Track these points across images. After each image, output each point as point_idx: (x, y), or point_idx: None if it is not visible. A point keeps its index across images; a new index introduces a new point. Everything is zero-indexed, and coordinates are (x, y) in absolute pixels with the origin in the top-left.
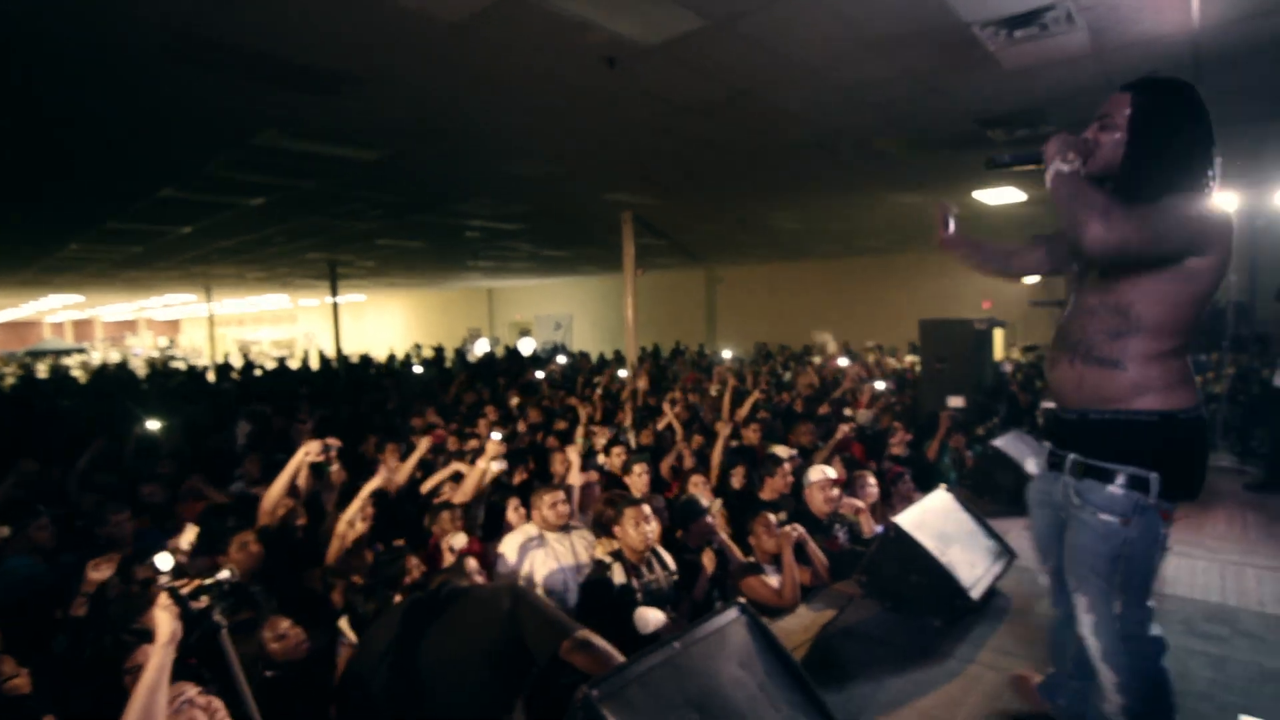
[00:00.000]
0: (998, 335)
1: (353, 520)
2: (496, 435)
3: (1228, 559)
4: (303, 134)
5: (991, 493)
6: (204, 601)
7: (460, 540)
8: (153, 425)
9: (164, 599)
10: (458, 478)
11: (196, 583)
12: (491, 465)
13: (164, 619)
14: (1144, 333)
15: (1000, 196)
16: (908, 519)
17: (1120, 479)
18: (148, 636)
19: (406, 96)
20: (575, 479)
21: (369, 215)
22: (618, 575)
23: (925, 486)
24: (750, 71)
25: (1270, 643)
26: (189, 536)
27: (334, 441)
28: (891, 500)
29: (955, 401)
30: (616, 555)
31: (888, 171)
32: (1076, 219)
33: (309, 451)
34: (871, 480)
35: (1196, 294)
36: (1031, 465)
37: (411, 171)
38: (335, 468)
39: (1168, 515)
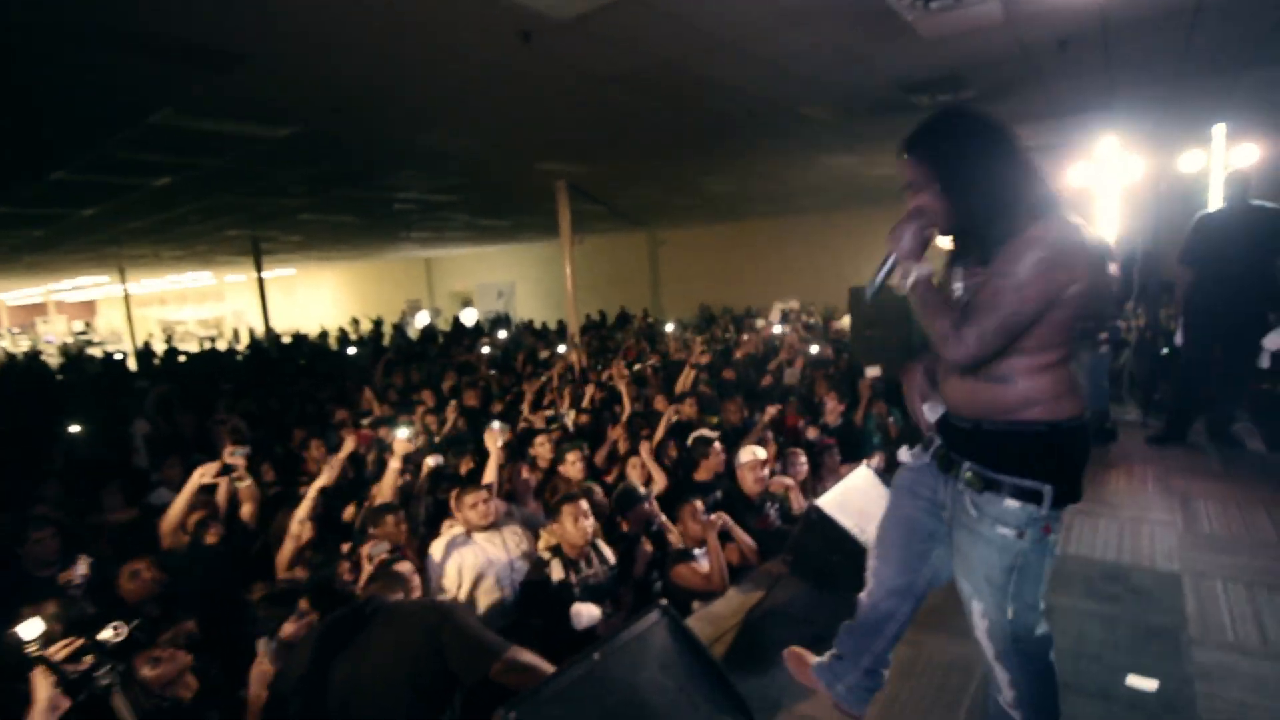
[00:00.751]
0: None
1: (304, 519)
2: (403, 433)
3: (1126, 516)
4: (203, 112)
5: None
6: (87, 662)
7: (381, 549)
8: (74, 430)
9: (38, 670)
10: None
11: (75, 644)
12: (427, 460)
13: (40, 688)
14: (1027, 352)
15: None
16: (829, 500)
17: (1015, 492)
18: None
19: (312, 74)
20: (490, 474)
21: (290, 191)
22: (555, 571)
23: (856, 454)
24: (670, 44)
25: (1156, 599)
26: (82, 569)
27: (236, 461)
28: (820, 473)
29: (872, 372)
30: (555, 550)
31: (818, 136)
32: (934, 335)
33: (204, 473)
34: (802, 458)
35: (1069, 315)
36: None
37: (328, 147)
38: (245, 483)
39: (1049, 529)
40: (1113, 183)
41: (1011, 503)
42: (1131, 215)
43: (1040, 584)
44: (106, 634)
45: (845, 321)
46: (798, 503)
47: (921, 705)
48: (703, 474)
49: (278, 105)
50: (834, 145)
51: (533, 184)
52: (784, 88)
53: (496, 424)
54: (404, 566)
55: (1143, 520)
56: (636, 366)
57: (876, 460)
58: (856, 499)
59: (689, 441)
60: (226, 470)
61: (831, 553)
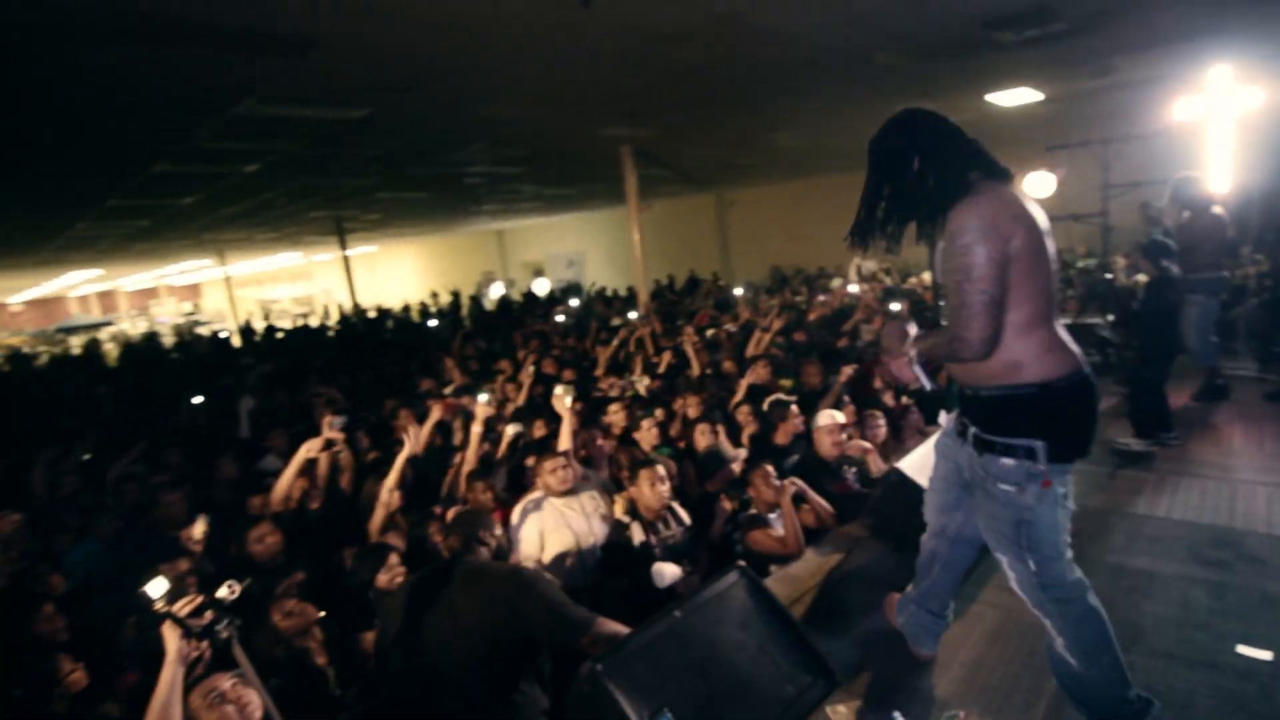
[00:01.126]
0: None
1: (392, 488)
2: (483, 397)
3: (1240, 478)
4: (282, 99)
5: None
6: (208, 617)
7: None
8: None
9: (166, 624)
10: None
11: (197, 601)
12: (507, 428)
13: (170, 640)
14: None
15: (1015, 98)
16: (910, 462)
17: (1008, 451)
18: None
19: (379, 53)
20: (566, 439)
21: (365, 172)
22: (636, 534)
23: (938, 416)
24: None
25: (1273, 566)
26: (200, 528)
27: (336, 435)
28: (902, 435)
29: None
30: (633, 513)
31: (891, 83)
32: (947, 354)
33: (310, 449)
34: (881, 421)
35: (1024, 271)
36: None
37: (400, 126)
38: (344, 454)
39: (1049, 483)
40: (1225, 117)
41: (1008, 461)
42: (1248, 153)
43: (1057, 534)
44: (222, 592)
45: (926, 277)
46: (876, 466)
47: (1011, 669)
48: (780, 437)
49: (350, 87)
50: (909, 91)
51: (598, 151)
52: (852, 32)
53: (560, 388)
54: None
55: (1258, 483)
56: (709, 332)
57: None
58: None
59: (765, 405)
60: (329, 445)
61: (913, 515)
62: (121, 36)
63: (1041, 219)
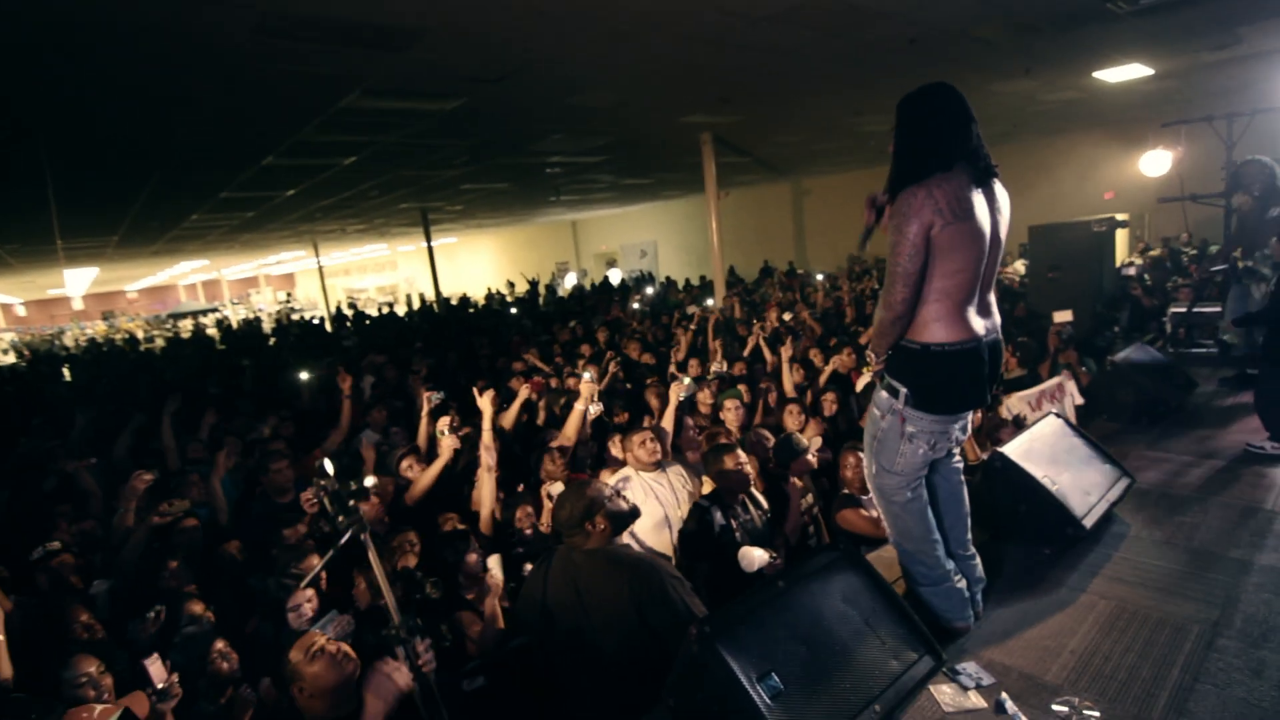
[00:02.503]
0: (1120, 236)
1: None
2: (587, 375)
3: None
4: (383, 93)
5: (1110, 411)
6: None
7: (558, 488)
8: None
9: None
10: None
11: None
12: (590, 407)
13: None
14: (924, 278)
15: (1124, 74)
16: (1015, 448)
17: (885, 386)
18: (303, 579)
19: (470, 42)
20: (668, 420)
21: (454, 163)
22: (717, 518)
23: None
24: None
25: None
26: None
27: (436, 401)
28: (982, 425)
29: (1062, 316)
30: (713, 498)
31: (989, 60)
32: (883, 319)
33: (450, 447)
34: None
35: (944, 250)
36: (1155, 380)
37: (489, 116)
38: (448, 439)
39: (904, 420)
40: None
41: (883, 393)
42: None
43: (895, 458)
44: (370, 481)
45: (1019, 266)
46: (972, 453)
47: (1127, 659)
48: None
49: (449, 78)
50: (1008, 69)
51: (677, 139)
52: (955, 6)
53: (687, 379)
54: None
55: None
56: (787, 316)
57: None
58: (1044, 447)
59: (857, 390)
60: (456, 429)
61: (1018, 502)
62: (246, 32)
63: (983, 214)
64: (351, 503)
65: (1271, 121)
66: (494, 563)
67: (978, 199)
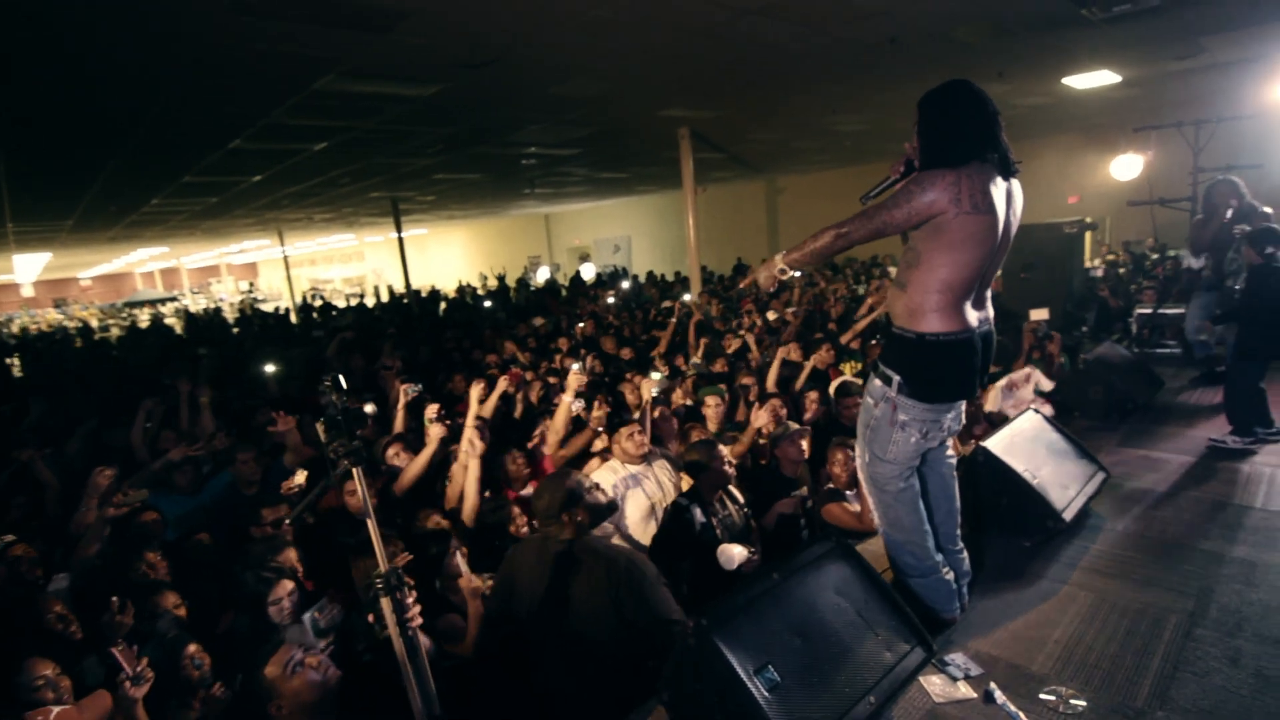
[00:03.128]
0: (1087, 238)
1: (465, 463)
2: (576, 366)
3: None
4: (360, 75)
5: (1082, 408)
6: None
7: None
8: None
9: None
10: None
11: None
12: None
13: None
14: (921, 267)
15: (1092, 80)
16: (997, 442)
17: (879, 374)
18: (285, 573)
19: (457, 26)
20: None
21: (428, 151)
22: (697, 516)
23: None
24: None
25: None
26: (299, 479)
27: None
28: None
29: (1038, 314)
30: (692, 495)
31: (965, 62)
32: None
33: (436, 436)
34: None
35: (952, 241)
36: (1124, 378)
37: (466, 104)
38: (436, 427)
39: (896, 408)
40: None
41: (876, 381)
42: None
43: (888, 447)
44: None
45: None
46: (955, 447)
47: (1110, 648)
48: (847, 419)
49: (427, 63)
50: (984, 71)
51: (655, 132)
52: (934, 6)
53: (656, 374)
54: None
55: None
56: (771, 315)
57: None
58: (1024, 442)
59: (832, 389)
60: (442, 418)
61: (999, 495)
62: (217, 7)
63: (1000, 207)
64: (351, 433)
65: (1236, 129)
66: (462, 562)
67: (999, 194)
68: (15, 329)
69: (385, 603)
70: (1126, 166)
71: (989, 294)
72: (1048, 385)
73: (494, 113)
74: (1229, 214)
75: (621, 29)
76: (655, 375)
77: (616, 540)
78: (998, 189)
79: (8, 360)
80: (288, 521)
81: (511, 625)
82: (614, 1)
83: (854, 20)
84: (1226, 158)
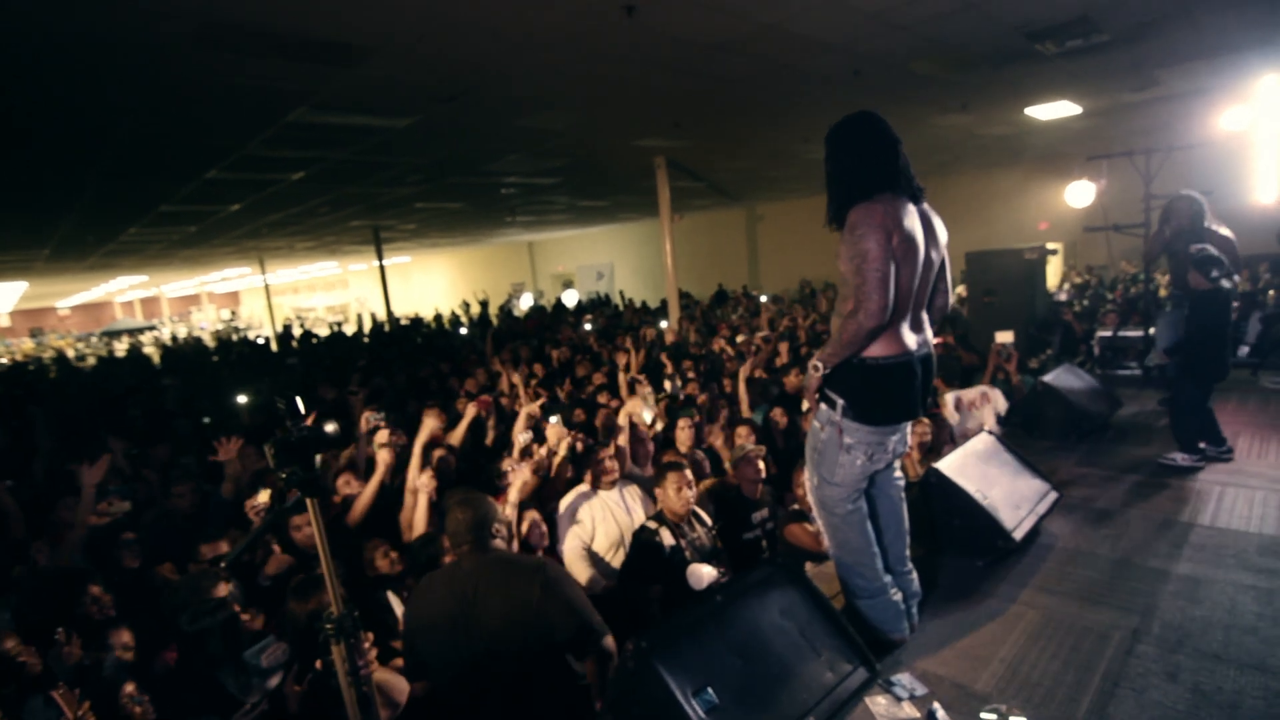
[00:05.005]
0: (1052, 263)
1: (414, 486)
2: (554, 419)
3: None
4: (332, 108)
5: (1041, 428)
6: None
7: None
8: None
9: None
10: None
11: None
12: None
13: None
14: (853, 299)
15: (1054, 111)
16: (949, 464)
17: (825, 399)
18: (226, 607)
19: (426, 61)
20: (624, 440)
21: (406, 180)
22: (666, 538)
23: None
24: (774, 4)
25: None
26: (263, 497)
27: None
28: (939, 440)
29: (1004, 337)
30: (659, 518)
31: (929, 94)
32: (850, 329)
33: (384, 461)
34: (926, 425)
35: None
36: (1083, 400)
37: (442, 135)
38: (383, 452)
39: (842, 432)
40: (1274, 128)
41: (823, 405)
42: None
43: (835, 469)
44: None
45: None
46: (913, 470)
47: (1052, 666)
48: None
49: (399, 96)
50: (946, 103)
51: (632, 162)
52: (891, 41)
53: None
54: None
55: None
56: (739, 338)
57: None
58: (977, 463)
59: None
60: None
61: (951, 516)
62: (187, 43)
63: (918, 233)
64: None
65: (1186, 158)
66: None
67: (912, 220)
68: None
69: (336, 650)
70: (1080, 193)
71: (925, 318)
72: (1004, 406)
73: (469, 143)
74: (1168, 232)
75: (590, 66)
76: (645, 395)
77: (582, 565)
78: (910, 216)
79: None
80: (224, 564)
81: (422, 670)
82: (575, 39)
83: (814, 55)
84: (1178, 185)
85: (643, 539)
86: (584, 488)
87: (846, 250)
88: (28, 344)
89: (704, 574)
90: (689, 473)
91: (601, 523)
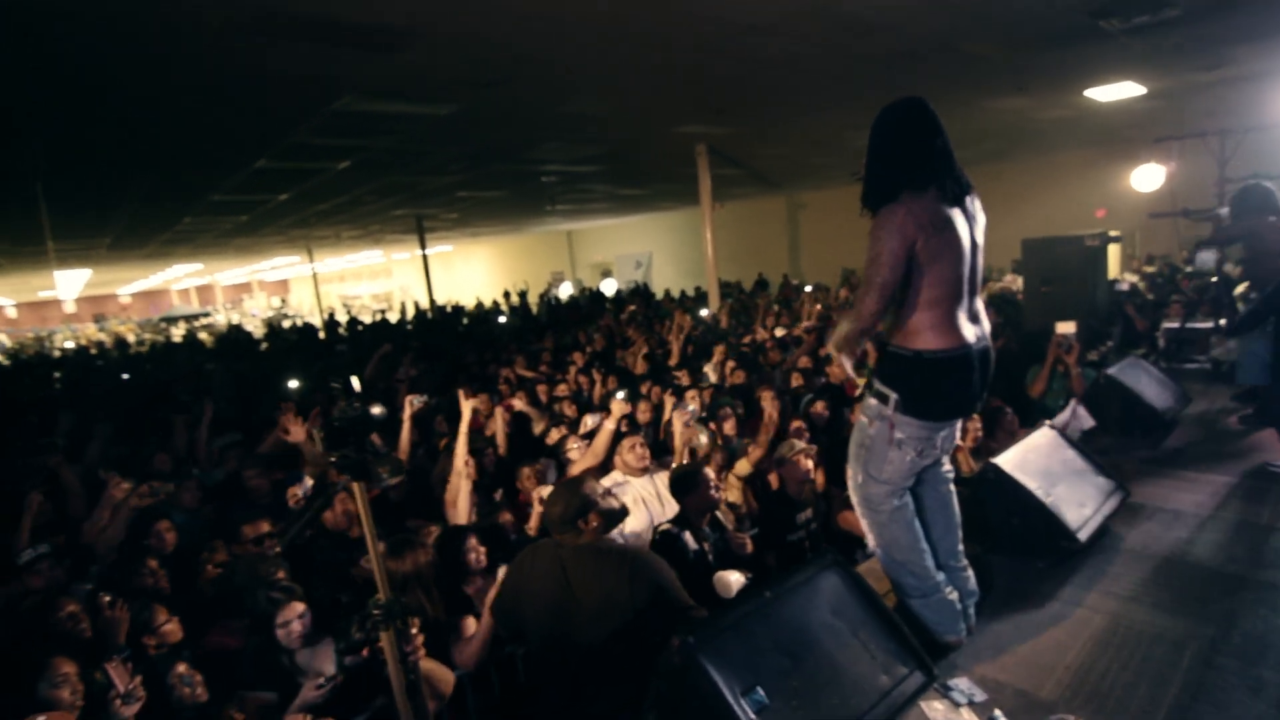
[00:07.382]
0: (1112, 251)
1: (459, 470)
2: (620, 395)
3: None
4: (377, 95)
5: (1104, 424)
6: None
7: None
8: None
9: None
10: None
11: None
12: (586, 418)
13: None
14: (912, 288)
15: (1116, 92)
16: (1008, 459)
17: (875, 393)
18: (296, 594)
19: (473, 47)
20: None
21: (449, 169)
22: (690, 543)
23: (1028, 420)
24: None
25: None
26: (307, 484)
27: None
28: (997, 436)
29: (1065, 328)
30: (681, 521)
31: (982, 76)
32: (854, 327)
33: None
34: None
35: (928, 261)
36: (1150, 394)
37: (482, 123)
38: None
39: (894, 427)
40: None
41: (872, 400)
42: None
43: (883, 466)
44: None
45: (1009, 281)
46: (967, 465)
47: (1124, 676)
48: None
49: (441, 83)
50: (1001, 86)
51: (672, 149)
52: (950, 21)
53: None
54: None
55: None
56: (779, 332)
57: (1065, 419)
58: (1038, 459)
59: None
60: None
61: (1011, 515)
62: (237, 31)
63: (957, 221)
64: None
65: (1264, 139)
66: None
67: (953, 210)
68: (58, 343)
69: (385, 635)
70: (1147, 177)
71: (981, 308)
72: (1089, 423)
73: (509, 131)
74: (1221, 220)
75: (628, 47)
76: (689, 408)
77: None
78: (949, 206)
79: (51, 373)
80: (278, 546)
81: (517, 637)
82: (618, 21)
83: (865, 35)
84: (1253, 167)
85: (664, 543)
86: (617, 475)
87: (868, 248)
88: (91, 329)
89: (732, 581)
90: (711, 473)
91: (631, 509)
